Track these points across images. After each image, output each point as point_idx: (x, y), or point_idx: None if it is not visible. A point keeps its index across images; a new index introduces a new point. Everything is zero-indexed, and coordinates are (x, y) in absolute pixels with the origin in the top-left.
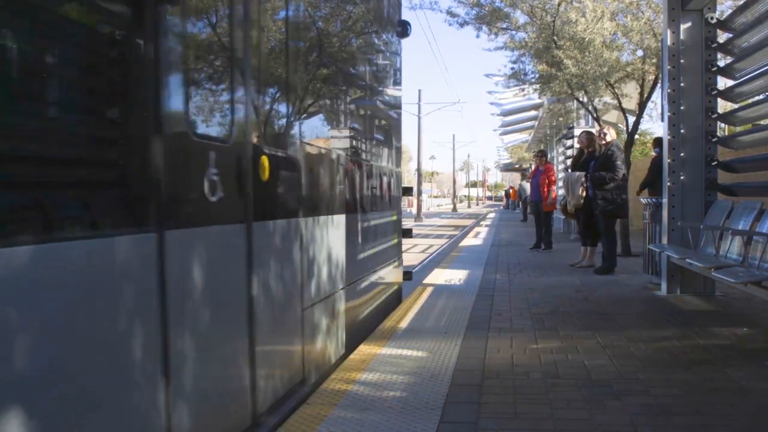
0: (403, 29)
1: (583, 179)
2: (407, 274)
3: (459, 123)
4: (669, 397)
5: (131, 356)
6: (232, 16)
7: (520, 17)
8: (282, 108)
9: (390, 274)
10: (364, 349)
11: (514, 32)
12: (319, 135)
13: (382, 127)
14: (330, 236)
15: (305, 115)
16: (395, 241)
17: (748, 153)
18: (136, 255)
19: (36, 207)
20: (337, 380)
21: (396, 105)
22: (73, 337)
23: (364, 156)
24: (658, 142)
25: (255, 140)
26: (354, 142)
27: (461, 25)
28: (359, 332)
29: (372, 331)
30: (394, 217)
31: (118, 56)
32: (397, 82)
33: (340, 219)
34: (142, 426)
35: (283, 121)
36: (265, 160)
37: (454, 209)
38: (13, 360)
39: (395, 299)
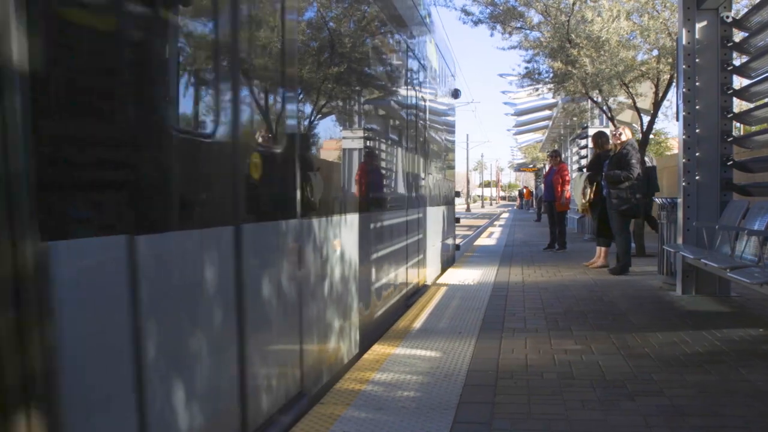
0: (456, 94)
1: (586, 181)
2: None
3: (473, 123)
4: (684, 398)
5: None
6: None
7: (535, 16)
8: (426, 161)
9: (453, 240)
10: (377, 349)
11: (528, 31)
12: (439, 168)
13: (451, 165)
14: (437, 216)
15: (432, 163)
16: (454, 222)
17: (763, 153)
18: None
19: (403, 201)
20: (350, 380)
21: (453, 153)
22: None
23: (444, 175)
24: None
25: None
26: (444, 170)
27: (475, 23)
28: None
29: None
30: (454, 207)
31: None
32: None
33: (443, 208)
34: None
35: (426, 163)
36: (429, 179)
37: (468, 209)
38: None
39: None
